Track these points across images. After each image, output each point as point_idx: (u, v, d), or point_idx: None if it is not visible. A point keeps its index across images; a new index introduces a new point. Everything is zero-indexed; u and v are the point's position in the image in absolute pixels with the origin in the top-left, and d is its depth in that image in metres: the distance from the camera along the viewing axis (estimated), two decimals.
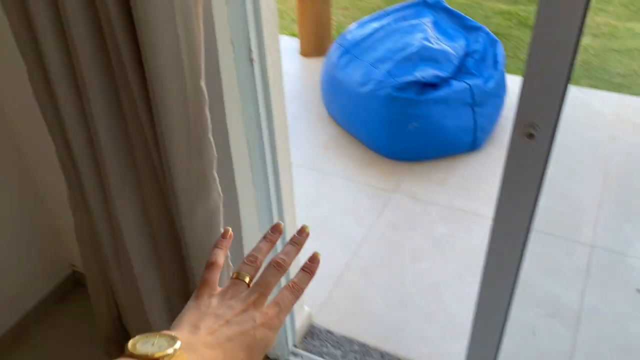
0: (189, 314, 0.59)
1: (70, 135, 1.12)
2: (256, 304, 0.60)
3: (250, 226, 1.39)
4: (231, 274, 0.64)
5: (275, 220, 1.46)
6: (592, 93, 3.16)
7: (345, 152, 2.77)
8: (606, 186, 2.46)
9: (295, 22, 3.80)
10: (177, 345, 0.50)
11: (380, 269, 2.13)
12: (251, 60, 1.09)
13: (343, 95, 2.84)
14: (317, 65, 3.53)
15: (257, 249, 0.67)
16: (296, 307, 1.73)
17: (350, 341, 1.84)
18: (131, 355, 0.48)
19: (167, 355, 0.48)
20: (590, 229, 2.24)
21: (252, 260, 0.65)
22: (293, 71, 3.54)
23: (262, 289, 0.61)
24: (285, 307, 0.61)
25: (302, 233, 0.69)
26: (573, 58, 0.84)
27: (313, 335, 1.85)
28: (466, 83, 2.63)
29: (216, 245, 0.68)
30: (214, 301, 0.60)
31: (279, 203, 1.45)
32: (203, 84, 0.91)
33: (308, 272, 0.65)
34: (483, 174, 2.58)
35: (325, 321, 1.92)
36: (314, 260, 0.67)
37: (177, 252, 1.24)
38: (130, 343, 0.49)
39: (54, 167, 1.44)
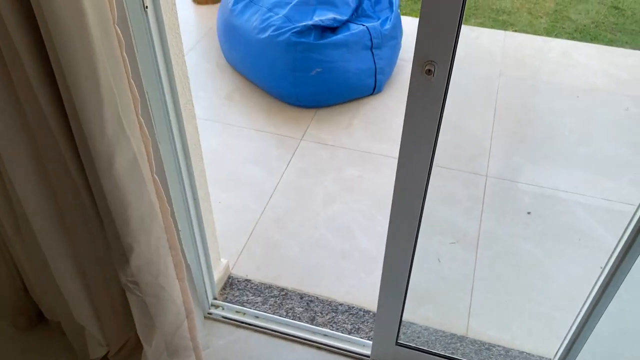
0: None
1: None
2: None
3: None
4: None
5: (185, 175, 1.43)
6: (481, 31, 3.32)
7: (249, 102, 2.74)
8: (497, 119, 2.63)
9: None
10: None
11: (294, 215, 2.16)
12: (144, 7, 1.03)
13: (242, 43, 2.77)
14: (211, 12, 3.41)
15: None
16: (213, 260, 1.73)
17: (270, 287, 1.88)
18: None
19: None
20: (485, 160, 2.40)
21: None
22: (187, 20, 3.38)
23: None
24: None
25: None
26: None
27: (232, 285, 1.87)
28: (364, 26, 2.66)
29: None
30: None
31: (186, 158, 1.42)
32: (117, 27, 0.88)
33: None
34: (386, 115, 2.65)
35: (243, 271, 1.94)
36: None
37: (84, 214, 1.19)
38: None
39: None
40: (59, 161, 1.10)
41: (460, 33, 0.91)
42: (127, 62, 0.94)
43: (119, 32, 0.91)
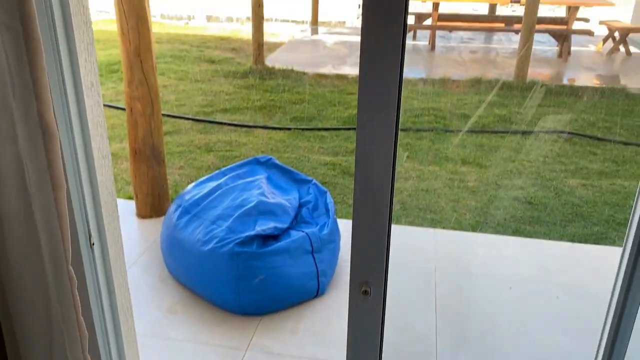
0: None
1: None
2: None
3: None
4: None
5: None
6: (412, 230, 3.56)
7: (192, 314, 2.69)
8: (439, 314, 2.69)
9: (129, 184, 3.79)
10: None
11: None
12: (91, 244, 1.08)
13: (185, 255, 2.82)
14: (154, 225, 3.50)
15: None
16: None
17: None
18: None
19: None
20: (433, 359, 2.39)
21: None
22: (130, 234, 3.45)
23: None
24: None
25: None
26: (390, 216, 0.99)
27: None
28: (304, 232, 2.80)
29: None
30: None
31: None
32: (70, 268, 0.91)
33: None
34: (331, 317, 2.66)
35: None
36: None
37: None
38: None
39: None
40: None
41: (394, 232, 0.99)
42: (78, 299, 0.95)
43: (72, 272, 0.93)
